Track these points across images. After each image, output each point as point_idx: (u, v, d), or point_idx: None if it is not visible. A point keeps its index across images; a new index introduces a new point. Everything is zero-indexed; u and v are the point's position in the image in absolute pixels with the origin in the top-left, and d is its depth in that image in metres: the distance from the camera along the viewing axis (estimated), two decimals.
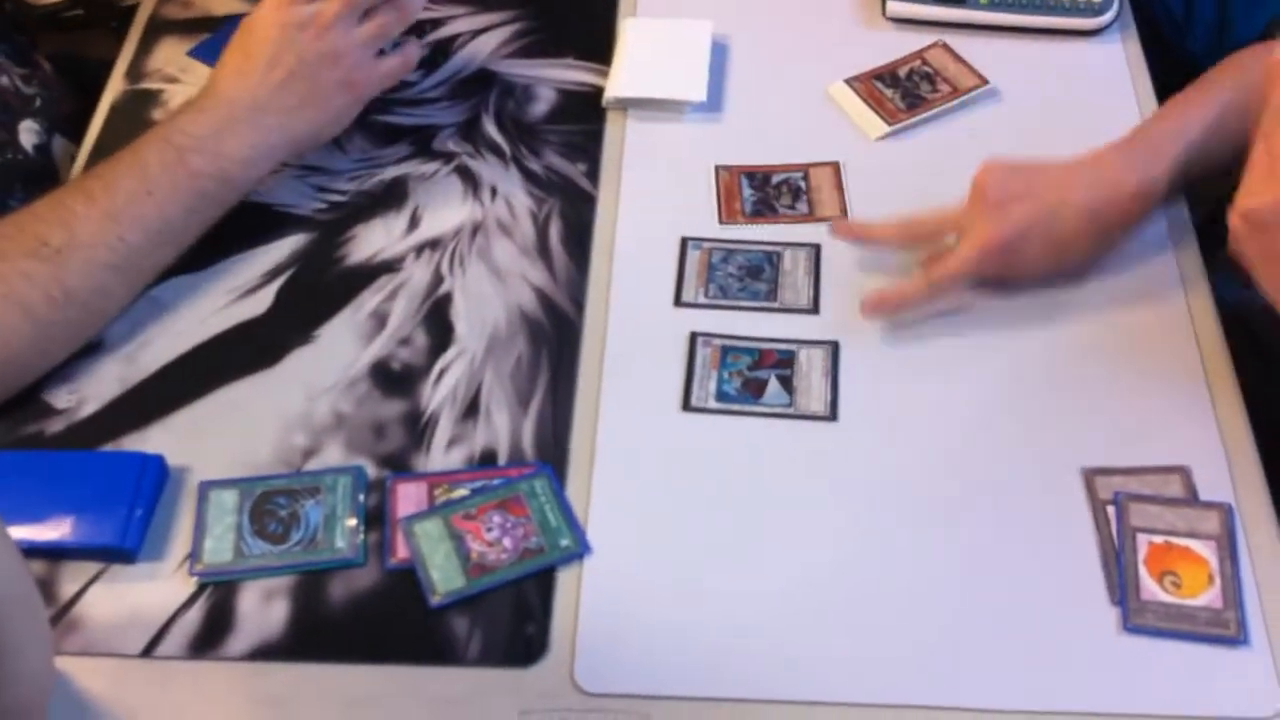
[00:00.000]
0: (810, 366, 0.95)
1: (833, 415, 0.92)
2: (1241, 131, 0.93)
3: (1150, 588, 0.82)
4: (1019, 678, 0.80)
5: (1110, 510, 0.85)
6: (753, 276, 1.01)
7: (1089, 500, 0.87)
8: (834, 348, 0.96)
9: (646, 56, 1.16)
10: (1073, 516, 0.86)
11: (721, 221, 1.05)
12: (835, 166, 1.08)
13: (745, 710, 0.79)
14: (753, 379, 0.94)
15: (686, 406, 0.93)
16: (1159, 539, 0.84)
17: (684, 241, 1.03)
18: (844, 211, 1.05)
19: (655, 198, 1.07)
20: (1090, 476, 0.87)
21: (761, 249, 1.03)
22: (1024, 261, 0.95)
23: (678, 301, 1.00)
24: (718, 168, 1.09)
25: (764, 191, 1.07)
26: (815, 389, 0.94)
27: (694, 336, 0.96)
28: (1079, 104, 1.11)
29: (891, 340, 0.97)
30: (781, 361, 0.95)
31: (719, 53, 1.18)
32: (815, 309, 0.99)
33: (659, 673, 0.80)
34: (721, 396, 0.93)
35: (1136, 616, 0.81)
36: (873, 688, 0.80)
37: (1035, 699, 0.79)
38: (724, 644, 0.82)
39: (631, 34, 1.18)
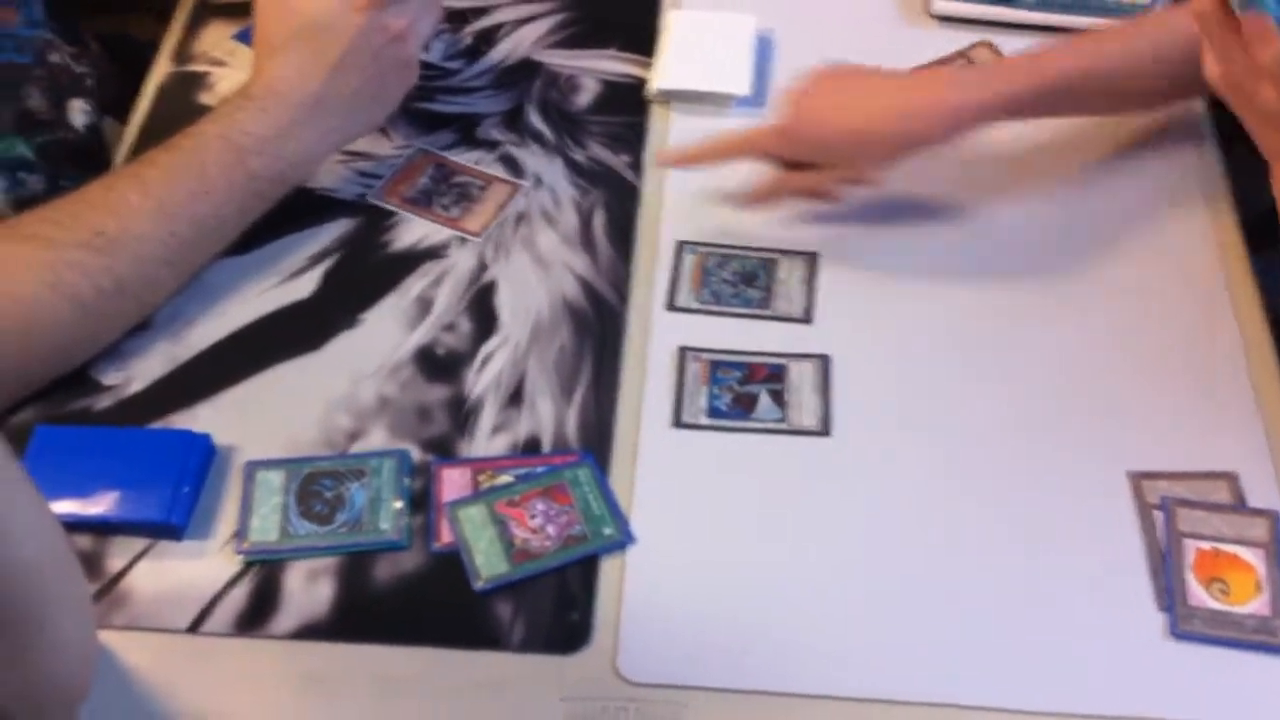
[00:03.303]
0: (802, 381, 0.94)
1: (825, 431, 0.91)
2: (1132, 84, 1.01)
3: (1198, 594, 0.81)
4: (1065, 681, 0.80)
5: (1157, 515, 0.85)
6: (747, 283, 1.00)
7: (1136, 504, 0.86)
8: (825, 361, 0.95)
9: (691, 49, 1.16)
10: (1120, 520, 0.86)
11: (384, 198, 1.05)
12: (513, 186, 1.07)
13: (782, 704, 0.79)
14: (744, 394, 0.94)
15: (678, 423, 0.92)
16: (1207, 545, 0.83)
17: (679, 245, 1.03)
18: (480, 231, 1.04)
19: (698, 191, 1.07)
20: (1137, 480, 0.87)
21: (758, 255, 1.02)
22: (822, 146, 1.00)
23: (670, 306, 0.99)
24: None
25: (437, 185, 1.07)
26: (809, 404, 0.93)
27: (683, 351, 0.96)
28: None
29: (895, 351, 0.97)
30: (773, 376, 0.95)
31: (763, 47, 1.18)
32: (808, 319, 0.98)
33: (701, 664, 0.80)
34: (713, 412, 0.92)
35: (1184, 623, 0.81)
36: (912, 686, 0.79)
37: (1081, 702, 0.79)
38: (765, 638, 0.82)
39: (676, 26, 1.18)
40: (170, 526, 0.84)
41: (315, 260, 1.01)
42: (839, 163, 1.01)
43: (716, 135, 1.03)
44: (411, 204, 1.05)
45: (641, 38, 1.19)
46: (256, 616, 0.82)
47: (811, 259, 1.02)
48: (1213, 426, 0.91)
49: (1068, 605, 0.83)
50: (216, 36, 1.20)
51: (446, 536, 0.85)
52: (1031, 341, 0.97)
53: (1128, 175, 1.08)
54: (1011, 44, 1.17)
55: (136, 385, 0.93)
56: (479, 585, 0.82)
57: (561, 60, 1.18)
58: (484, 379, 0.94)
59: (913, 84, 1.02)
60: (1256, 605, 0.81)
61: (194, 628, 0.81)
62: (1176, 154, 1.10)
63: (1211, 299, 0.99)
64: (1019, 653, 0.81)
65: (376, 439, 0.90)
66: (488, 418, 0.92)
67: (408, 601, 0.83)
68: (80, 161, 1.09)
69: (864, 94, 1.00)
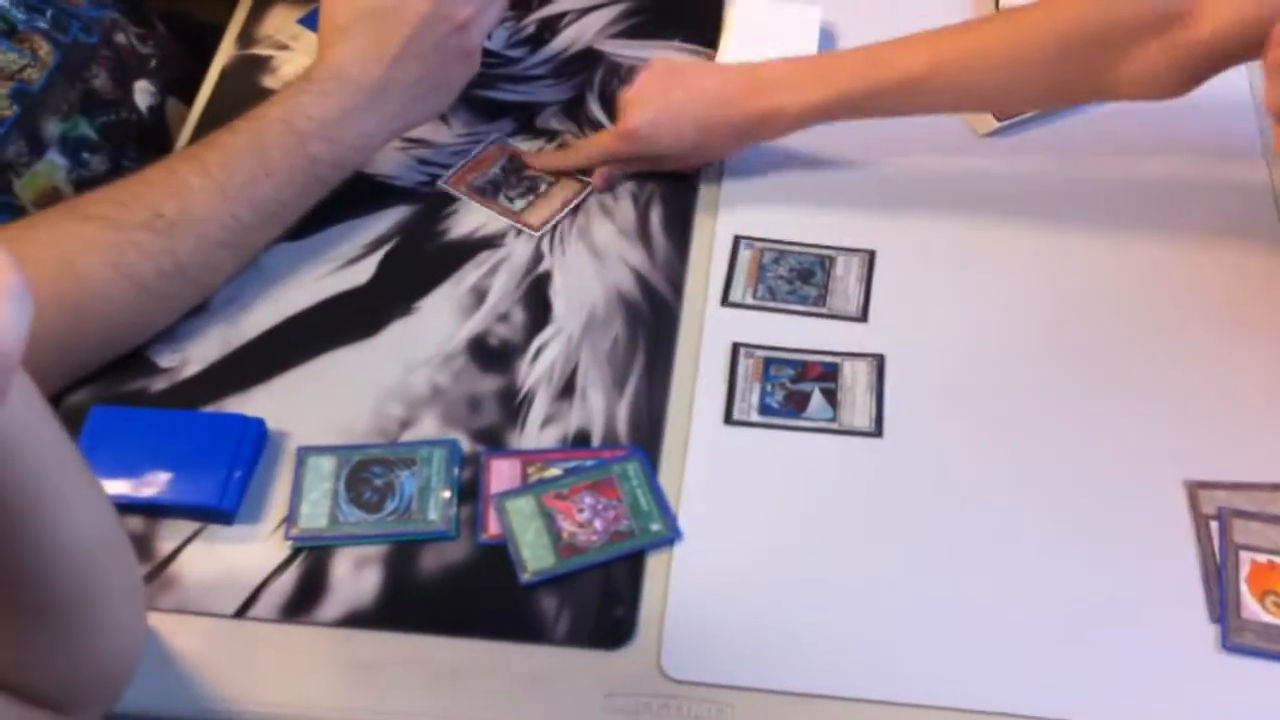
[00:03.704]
0: (855, 380, 0.93)
1: (878, 431, 0.91)
2: (983, 81, 0.98)
3: (1251, 607, 0.80)
4: (1112, 690, 0.79)
5: (1213, 525, 0.84)
6: (803, 280, 1.00)
7: (1191, 514, 0.85)
8: (879, 361, 0.94)
9: (753, 42, 1.15)
10: (1174, 530, 0.85)
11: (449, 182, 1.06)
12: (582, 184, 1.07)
13: (828, 707, 0.79)
14: (796, 392, 0.93)
15: (729, 420, 0.92)
16: (1262, 557, 0.82)
17: (736, 240, 1.03)
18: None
19: (757, 185, 1.06)
20: (1194, 490, 0.86)
21: (815, 252, 1.02)
22: (659, 148, 1.03)
23: (725, 301, 0.99)
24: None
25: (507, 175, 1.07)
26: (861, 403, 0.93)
27: (736, 347, 0.95)
28: (1196, 103, 1.08)
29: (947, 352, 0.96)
30: (826, 374, 0.94)
31: (827, 40, 1.17)
32: (864, 317, 0.98)
33: (745, 664, 0.80)
34: (764, 410, 0.92)
35: (1236, 635, 0.79)
36: (959, 692, 0.79)
37: (1129, 713, 0.78)
38: (811, 640, 0.81)
39: (739, 18, 1.18)
40: (222, 511, 0.85)
41: (372, 247, 1.02)
42: (678, 161, 1.05)
43: (571, 147, 1.07)
44: (478, 193, 1.05)
45: (705, 29, 1.18)
46: (303, 603, 0.82)
47: (869, 257, 1.01)
48: (1274, 437, 0.89)
49: (1118, 614, 0.82)
50: (281, 20, 1.21)
51: (494, 528, 0.85)
52: (1090, 346, 0.95)
53: (1192, 172, 1.06)
54: None
55: (192, 368, 0.94)
56: (525, 578, 0.83)
57: (624, 50, 1.18)
58: (536, 370, 0.94)
59: (745, 87, 1.01)
60: None
61: (241, 613, 0.82)
62: (1245, 151, 1.08)
63: (1277, 306, 0.97)
64: (1067, 661, 0.80)
65: (428, 428, 0.91)
66: (539, 409, 0.92)
67: (453, 592, 0.83)
68: (143, 143, 1.10)
69: (695, 97, 1.02)
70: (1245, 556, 0.82)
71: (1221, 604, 0.81)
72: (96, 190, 0.93)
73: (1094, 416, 0.91)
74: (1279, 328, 0.96)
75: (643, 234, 1.03)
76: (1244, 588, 0.81)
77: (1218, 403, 0.92)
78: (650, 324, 0.97)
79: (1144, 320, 0.97)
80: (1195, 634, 0.80)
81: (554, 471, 0.88)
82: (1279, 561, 0.82)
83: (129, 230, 0.90)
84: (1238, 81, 1.13)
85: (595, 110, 1.12)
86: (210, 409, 0.91)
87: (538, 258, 1.01)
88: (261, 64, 1.16)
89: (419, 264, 1.01)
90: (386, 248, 1.02)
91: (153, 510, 0.85)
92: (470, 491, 0.87)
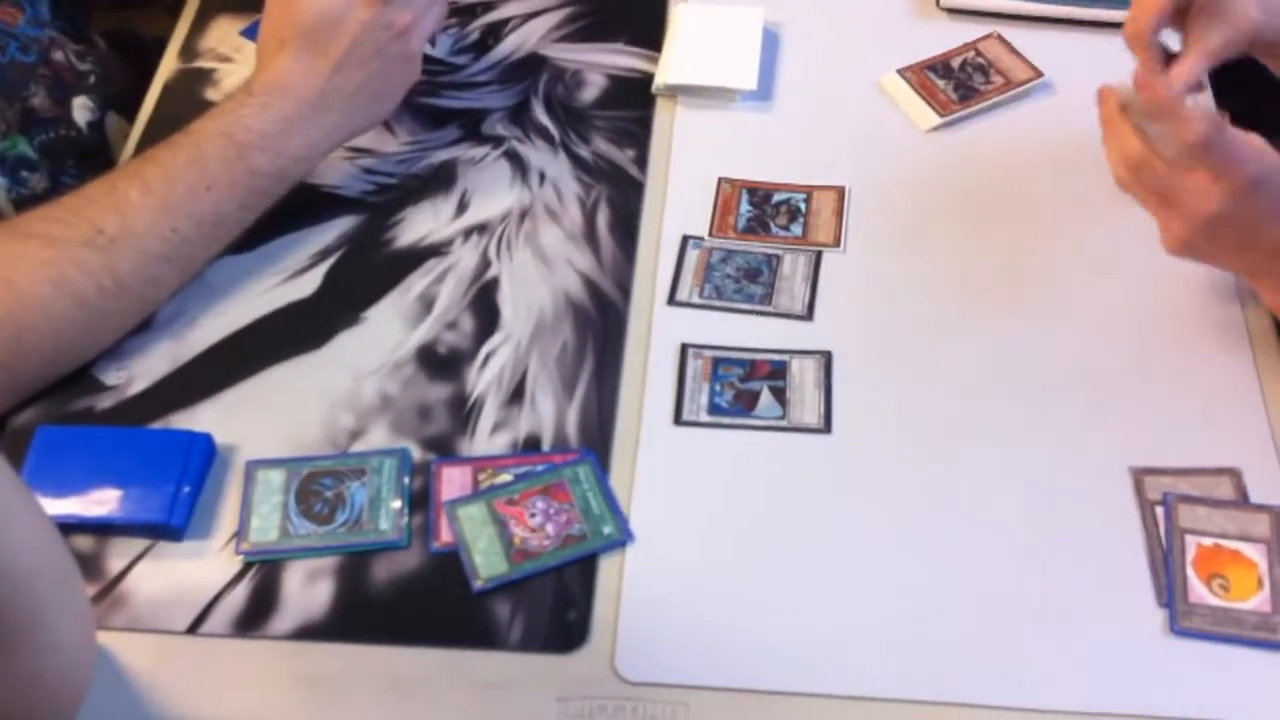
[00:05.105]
0: (803, 378, 0.94)
1: (827, 428, 0.91)
2: None
3: (1198, 590, 0.81)
4: (1063, 678, 0.79)
5: (1159, 511, 0.85)
6: (750, 279, 1.00)
7: (1137, 500, 0.86)
8: (826, 358, 0.95)
9: (698, 43, 1.16)
10: (1121, 516, 0.86)
11: (712, 234, 1.03)
12: (839, 191, 1.06)
13: (783, 703, 0.79)
14: (745, 391, 0.93)
15: (679, 421, 0.92)
16: (1208, 541, 0.83)
17: (684, 240, 1.03)
18: (838, 240, 1.02)
19: (704, 185, 1.06)
20: (1139, 476, 0.87)
21: (762, 252, 1.02)
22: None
23: (672, 300, 0.99)
24: (720, 179, 1.07)
25: (761, 210, 1.05)
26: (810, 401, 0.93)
27: (684, 348, 0.95)
28: None
29: (892, 347, 0.97)
30: (775, 373, 0.95)
31: (770, 41, 1.17)
32: (809, 315, 0.98)
33: (699, 663, 0.80)
34: (714, 409, 0.92)
35: (1184, 619, 0.80)
36: (910, 684, 0.79)
37: (1079, 700, 0.78)
38: (764, 637, 0.82)
39: (683, 20, 1.18)
40: (170, 528, 0.84)
41: (318, 258, 1.01)
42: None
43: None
44: (751, 235, 1.03)
45: (650, 31, 1.19)
46: (255, 617, 0.82)
47: (815, 255, 1.01)
48: (1217, 422, 0.90)
49: (1067, 601, 0.82)
50: (224, 33, 1.20)
51: (446, 536, 0.85)
52: (1035, 337, 0.96)
53: None
54: (1021, 36, 1.16)
55: (138, 385, 0.93)
56: (478, 585, 0.83)
57: (568, 54, 1.18)
58: (485, 377, 0.94)
59: None
60: (1257, 601, 0.80)
61: (193, 629, 0.82)
62: None
63: (1217, 292, 0.98)
64: (1018, 649, 0.81)
65: (378, 437, 0.90)
66: (488, 416, 0.92)
67: (406, 602, 0.83)
68: (83, 159, 1.09)
69: None
70: (1191, 540, 0.83)
71: (1169, 588, 0.81)
72: (37, 209, 0.93)
73: (1040, 406, 0.92)
74: (1222, 315, 0.97)
75: (590, 237, 1.03)
76: (1190, 572, 0.82)
77: (1162, 389, 0.92)
78: (599, 327, 0.97)
79: (1088, 309, 0.98)
80: (1144, 619, 0.81)
81: (505, 477, 0.88)
82: (1224, 545, 0.83)
83: (69, 247, 0.89)
84: None
85: (540, 115, 1.12)
86: (158, 425, 0.91)
87: (485, 264, 1.01)
88: (204, 77, 1.16)
89: (366, 273, 1.01)
90: (333, 258, 1.01)
91: (102, 529, 0.85)
92: (421, 500, 0.87)
